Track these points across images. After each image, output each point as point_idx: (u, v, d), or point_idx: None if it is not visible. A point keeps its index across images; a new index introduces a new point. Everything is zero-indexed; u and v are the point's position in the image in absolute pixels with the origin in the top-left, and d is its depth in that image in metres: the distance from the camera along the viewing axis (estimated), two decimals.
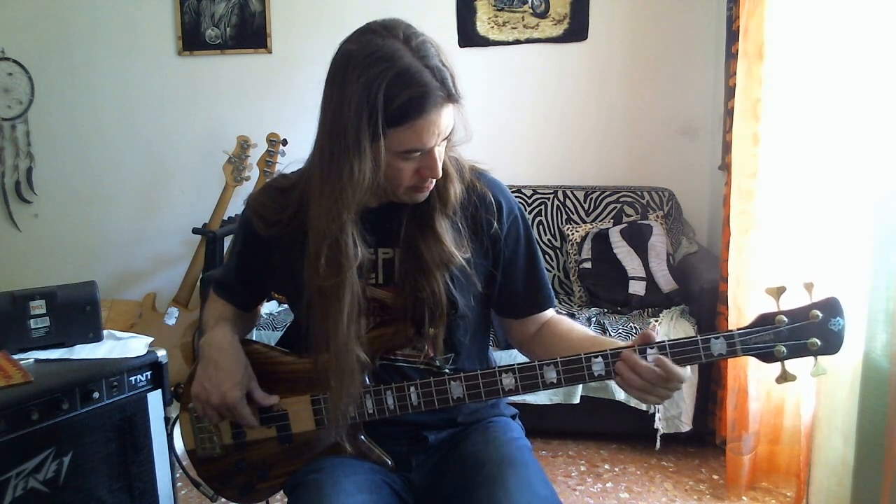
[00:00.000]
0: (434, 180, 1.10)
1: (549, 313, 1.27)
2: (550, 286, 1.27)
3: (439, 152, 1.06)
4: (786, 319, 1.00)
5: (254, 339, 1.33)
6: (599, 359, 1.05)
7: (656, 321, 2.62)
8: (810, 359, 1.02)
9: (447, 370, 1.19)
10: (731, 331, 1.02)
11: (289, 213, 1.15)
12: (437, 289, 1.10)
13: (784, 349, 1.01)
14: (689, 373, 1.03)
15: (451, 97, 1.02)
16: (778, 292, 1.02)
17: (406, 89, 0.98)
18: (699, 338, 1.02)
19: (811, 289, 1.01)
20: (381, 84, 0.98)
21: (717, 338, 1.02)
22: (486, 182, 1.19)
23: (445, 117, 1.03)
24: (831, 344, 1.00)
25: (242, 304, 1.33)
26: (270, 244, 1.18)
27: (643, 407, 2.50)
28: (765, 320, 1.02)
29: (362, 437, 1.17)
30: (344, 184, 1.02)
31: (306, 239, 1.09)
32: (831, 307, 1.00)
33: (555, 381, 1.07)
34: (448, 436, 1.23)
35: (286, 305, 2.78)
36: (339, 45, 1.05)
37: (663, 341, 1.03)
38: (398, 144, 1.02)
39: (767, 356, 1.02)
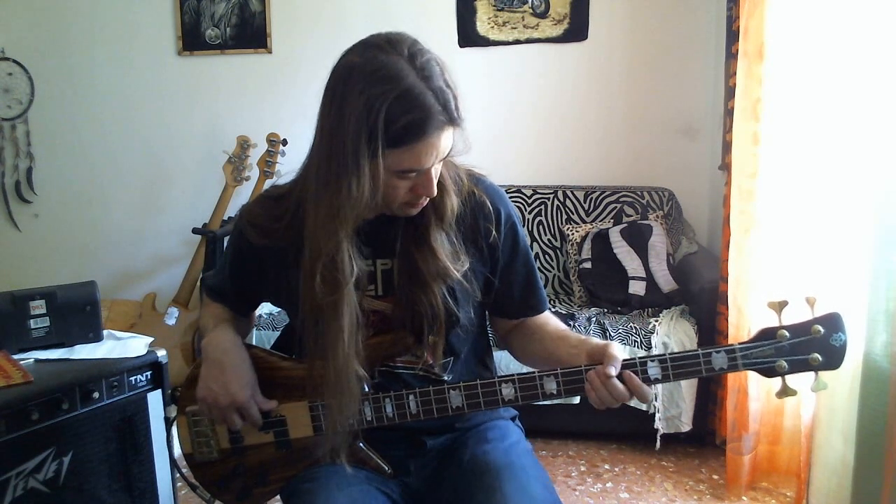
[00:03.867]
0: (427, 198, 1.09)
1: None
2: (544, 291, 1.28)
3: (435, 171, 1.05)
4: (787, 334, 1.00)
5: (253, 339, 1.33)
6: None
7: (656, 321, 2.62)
8: (811, 373, 1.01)
9: (446, 377, 1.19)
10: (732, 345, 1.02)
11: (284, 222, 1.14)
12: (434, 301, 1.10)
13: (785, 364, 1.00)
14: (653, 393, 1.05)
15: (452, 121, 1.01)
16: (780, 306, 1.02)
17: (408, 113, 0.97)
18: (700, 352, 1.02)
19: (813, 303, 1.01)
20: (382, 105, 0.96)
21: (718, 352, 1.02)
22: (484, 188, 1.18)
23: (445, 140, 1.01)
24: (833, 359, 1.00)
25: (238, 309, 1.32)
26: (264, 254, 1.17)
27: (643, 407, 2.50)
28: (766, 335, 1.01)
29: (360, 444, 1.16)
30: (342, 201, 1.00)
31: (302, 247, 1.08)
32: (833, 322, 1.00)
33: (555, 391, 1.08)
34: (446, 440, 1.22)
35: None
36: (342, 55, 1.03)
37: (664, 355, 1.03)
38: (396, 164, 1.00)
39: (769, 371, 1.02)
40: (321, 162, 1.03)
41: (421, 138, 0.98)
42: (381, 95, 0.96)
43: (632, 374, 1.03)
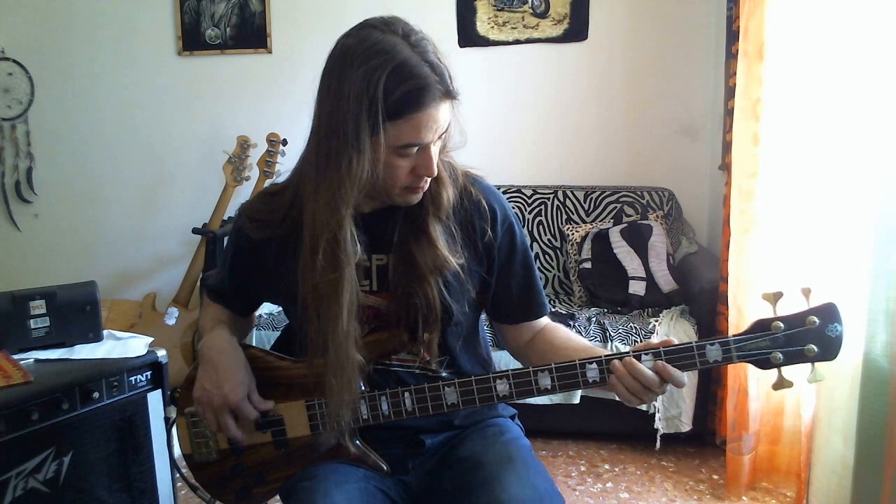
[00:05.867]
0: (428, 181, 1.09)
1: (544, 321, 1.27)
2: (545, 294, 1.27)
3: (434, 151, 1.06)
4: (782, 325, 0.99)
5: (253, 340, 1.32)
6: (594, 365, 1.05)
7: (656, 321, 2.62)
8: (807, 365, 1.00)
9: (443, 374, 1.19)
10: (726, 337, 1.01)
11: (281, 213, 1.14)
12: (430, 294, 1.10)
13: (781, 356, 0.99)
14: (686, 379, 1.03)
15: (448, 93, 1.02)
16: (775, 297, 1.00)
17: (406, 81, 0.98)
18: (694, 344, 1.01)
19: (808, 294, 1.00)
20: (380, 76, 0.97)
21: (712, 344, 1.01)
22: (480, 188, 1.19)
23: (443, 113, 1.03)
24: (829, 350, 0.99)
25: (238, 309, 1.33)
26: (263, 249, 1.18)
27: (643, 407, 2.50)
28: (761, 326, 1.00)
29: (358, 442, 1.16)
30: (342, 177, 1.01)
31: (300, 238, 1.09)
32: (829, 313, 0.99)
33: (549, 387, 1.06)
34: (445, 439, 1.22)
35: None
36: (337, 40, 1.05)
37: (658, 348, 1.02)
38: (396, 139, 1.01)
39: (764, 363, 1.00)
40: (321, 141, 1.03)
41: (419, 108, 0.99)
42: (378, 67, 0.97)
43: (665, 363, 1.01)
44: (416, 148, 1.03)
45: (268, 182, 3.26)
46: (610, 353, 1.06)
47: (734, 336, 1.01)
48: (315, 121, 1.06)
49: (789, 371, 1.02)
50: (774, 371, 1.01)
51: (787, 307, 1.01)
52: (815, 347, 0.99)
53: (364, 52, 0.99)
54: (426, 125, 1.01)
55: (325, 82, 1.03)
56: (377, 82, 0.97)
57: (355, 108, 0.98)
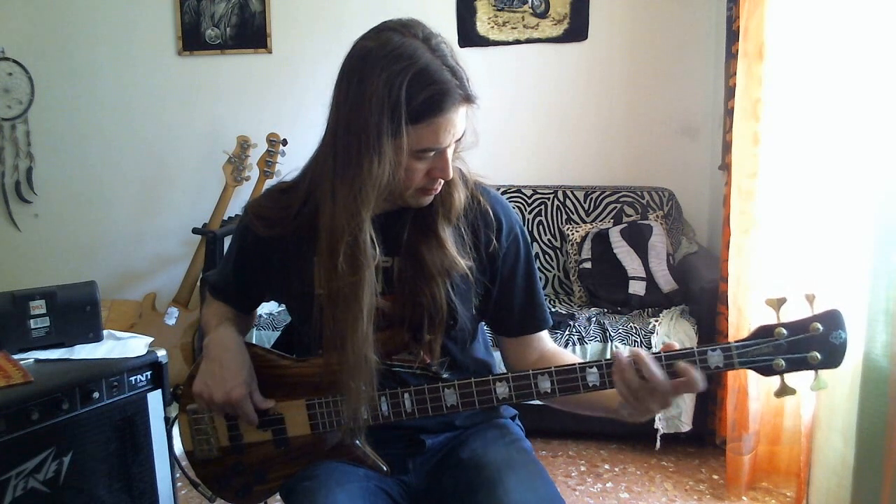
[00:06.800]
0: (442, 183, 1.09)
1: (548, 342, 1.26)
2: (547, 308, 1.26)
3: (451, 154, 1.06)
4: (785, 332, 0.98)
5: (253, 339, 1.31)
6: (594, 369, 1.04)
7: (656, 321, 2.62)
8: (810, 372, 0.99)
9: (444, 375, 1.19)
10: (728, 343, 1.00)
11: (292, 211, 1.14)
12: (437, 295, 1.10)
13: (783, 362, 0.98)
14: (705, 384, 0.99)
15: (468, 98, 1.03)
16: (778, 303, 0.99)
17: (428, 87, 0.98)
18: (696, 350, 1.00)
19: (812, 300, 0.98)
20: (403, 81, 0.97)
21: (714, 350, 0.99)
22: (489, 198, 1.19)
23: (461, 117, 1.03)
24: (832, 357, 0.97)
25: (240, 307, 1.33)
26: (270, 247, 1.17)
27: None
28: (764, 332, 0.99)
29: (357, 441, 1.16)
30: (364, 181, 1.01)
31: (310, 238, 1.09)
32: (833, 320, 0.97)
33: (549, 390, 1.06)
34: (445, 439, 1.22)
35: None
36: (355, 42, 1.05)
37: (659, 353, 1.01)
38: (416, 143, 1.01)
39: (766, 370, 0.99)
40: (339, 144, 1.03)
41: (440, 113, 1.00)
42: (400, 72, 0.97)
43: (687, 364, 0.97)
44: (433, 152, 1.03)
45: (268, 182, 3.26)
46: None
47: (736, 342, 1.00)
48: (332, 122, 1.05)
49: (792, 378, 1.00)
50: (777, 378, 1.00)
51: (791, 313, 0.99)
52: (818, 354, 0.97)
53: (385, 55, 0.99)
54: (446, 129, 1.01)
55: (344, 84, 1.03)
56: (400, 87, 0.97)
57: (377, 111, 0.98)
